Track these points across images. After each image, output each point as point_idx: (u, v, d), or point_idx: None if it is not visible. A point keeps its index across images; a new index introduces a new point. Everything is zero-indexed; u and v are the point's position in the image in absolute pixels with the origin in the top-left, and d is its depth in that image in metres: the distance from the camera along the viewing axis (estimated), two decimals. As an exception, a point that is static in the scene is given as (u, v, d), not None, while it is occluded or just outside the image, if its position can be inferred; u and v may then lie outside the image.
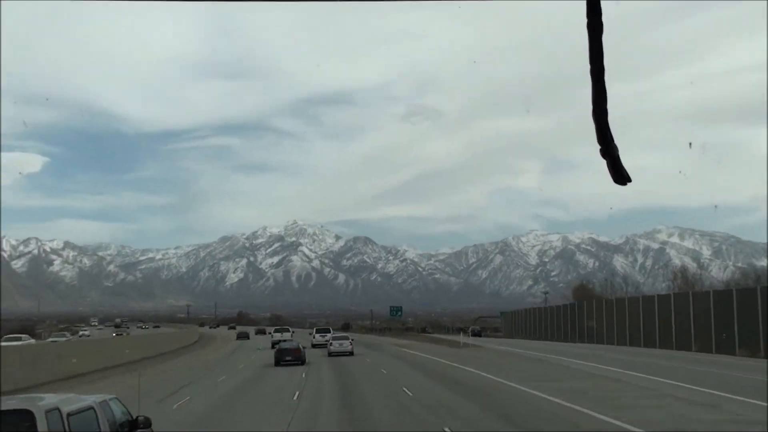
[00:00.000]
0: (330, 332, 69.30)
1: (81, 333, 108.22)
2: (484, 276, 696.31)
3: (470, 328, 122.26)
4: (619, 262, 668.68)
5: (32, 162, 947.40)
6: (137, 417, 11.49)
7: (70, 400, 9.91)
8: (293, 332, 76.75)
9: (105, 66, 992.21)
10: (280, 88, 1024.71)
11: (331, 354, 52.72)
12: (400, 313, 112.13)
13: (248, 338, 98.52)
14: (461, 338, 67.71)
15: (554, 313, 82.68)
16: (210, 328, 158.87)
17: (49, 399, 9.72)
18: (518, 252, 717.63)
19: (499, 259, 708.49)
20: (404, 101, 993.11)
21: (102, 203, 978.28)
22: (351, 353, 52.60)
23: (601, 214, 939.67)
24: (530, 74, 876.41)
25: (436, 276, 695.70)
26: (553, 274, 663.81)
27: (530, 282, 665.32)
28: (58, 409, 9.04)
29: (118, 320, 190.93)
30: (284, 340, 64.88)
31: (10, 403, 9.55)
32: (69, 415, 9.14)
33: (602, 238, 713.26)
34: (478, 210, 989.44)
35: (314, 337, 67.30)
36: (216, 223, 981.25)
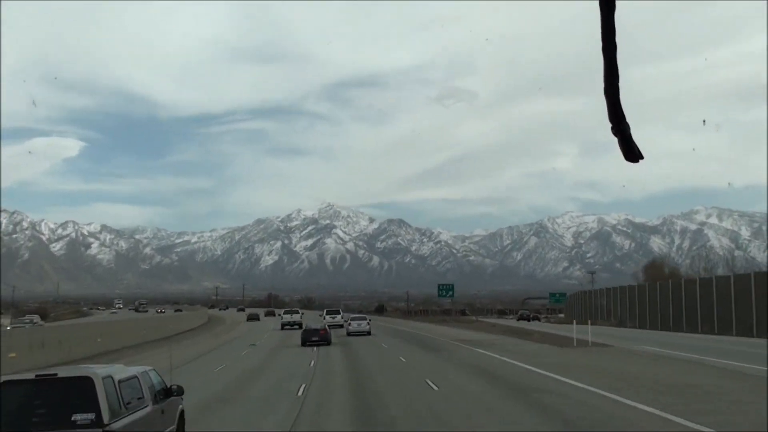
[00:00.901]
0: (340, 313, 72.52)
1: (29, 321, 77.63)
2: (519, 258, 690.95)
3: (520, 312, 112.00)
4: (656, 243, 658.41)
5: (70, 147, 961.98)
6: (171, 386, 13.10)
7: (119, 370, 11.28)
8: (302, 314, 77.98)
9: (141, 51, 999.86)
10: (313, 72, 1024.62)
11: (349, 333, 55.16)
12: (451, 293, 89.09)
13: (258, 320, 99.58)
14: (574, 328, 41.83)
15: (643, 293, 67.63)
16: (219, 309, 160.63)
17: (103, 368, 11.04)
18: (553, 234, 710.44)
19: (534, 240, 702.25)
20: (438, 84, 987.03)
21: (138, 187, 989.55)
22: (369, 333, 55.37)
23: (638, 196, 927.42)
24: (566, 55, 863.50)
25: (471, 258, 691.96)
26: (588, 255, 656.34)
27: (566, 264, 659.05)
28: (111, 376, 10.46)
29: (136, 303, 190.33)
30: (293, 322, 68.97)
31: (69, 371, 11.35)
32: (120, 381, 10.61)
33: (638, 219, 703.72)
34: (513, 192, 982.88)
35: (324, 318, 68.37)
36: (250, 206, 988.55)
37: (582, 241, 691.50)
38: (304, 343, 44.14)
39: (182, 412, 13.69)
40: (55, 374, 10.48)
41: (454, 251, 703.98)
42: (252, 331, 69.25)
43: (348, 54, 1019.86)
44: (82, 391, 9.89)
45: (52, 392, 10.09)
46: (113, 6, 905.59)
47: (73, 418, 9.68)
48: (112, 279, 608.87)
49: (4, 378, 10.45)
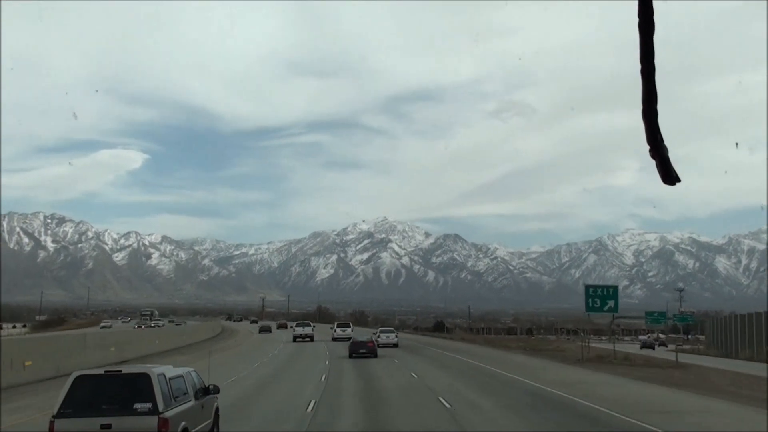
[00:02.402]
0: (350, 327, 73.78)
1: None
2: (577, 275, 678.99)
3: (642, 340, 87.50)
4: (722, 263, 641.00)
5: (134, 158, 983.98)
6: (209, 385, 15.40)
7: (168, 369, 13.65)
8: (314, 327, 79.01)
9: (202, 65, 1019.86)
10: (370, 86, 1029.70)
11: (379, 345, 55.72)
12: (613, 303, 46.25)
13: (270, 332, 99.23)
14: None
15: None
16: (233, 321, 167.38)
17: (156, 367, 13.42)
18: (613, 251, 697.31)
19: (593, 258, 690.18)
20: (495, 97, 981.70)
21: (198, 198, 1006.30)
22: (396, 345, 58.13)
23: (702, 214, 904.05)
24: (625, 69, 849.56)
25: (528, 275, 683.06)
26: (650, 274, 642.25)
27: (626, 282, 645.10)
28: (164, 374, 12.92)
29: (147, 311, 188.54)
30: (305, 334, 70.45)
31: (131, 368, 14.21)
32: (170, 378, 13.07)
33: (703, 238, 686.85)
34: (571, 208, 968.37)
35: (335, 331, 71.18)
36: (307, 219, 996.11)
37: (643, 260, 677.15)
38: (351, 355, 45.73)
39: (217, 409, 15.91)
40: (119, 371, 13.06)
41: (511, 267, 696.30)
42: (252, 349, 58.62)
43: (405, 68, 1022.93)
44: (141, 384, 12.28)
45: (117, 385, 12.47)
46: (175, 20, 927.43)
47: (134, 407, 12.04)
48: (171, 289, 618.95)
49: (77, 373, 12.71)
